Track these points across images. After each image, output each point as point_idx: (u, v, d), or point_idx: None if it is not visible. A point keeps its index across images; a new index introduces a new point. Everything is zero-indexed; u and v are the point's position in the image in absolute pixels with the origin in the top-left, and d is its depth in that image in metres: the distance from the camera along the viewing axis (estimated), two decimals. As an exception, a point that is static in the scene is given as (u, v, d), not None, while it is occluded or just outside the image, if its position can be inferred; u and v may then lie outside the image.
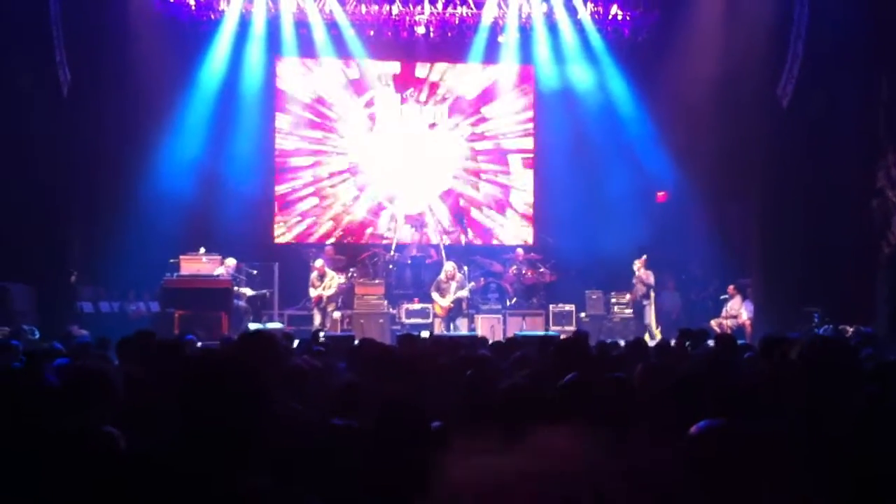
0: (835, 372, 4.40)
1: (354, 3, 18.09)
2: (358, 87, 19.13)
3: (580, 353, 5.40)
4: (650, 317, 16.80)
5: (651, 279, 16.79)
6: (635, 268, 16.87)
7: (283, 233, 18.92)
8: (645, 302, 16.85)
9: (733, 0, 16.69)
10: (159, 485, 2.19)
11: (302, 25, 18.35)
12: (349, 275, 16.89)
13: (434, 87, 19.32)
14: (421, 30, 18.48)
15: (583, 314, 17.11)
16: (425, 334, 13.23)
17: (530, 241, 19.03)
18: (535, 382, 4.35)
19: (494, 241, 19.20)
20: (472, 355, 6.21)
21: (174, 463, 2.22)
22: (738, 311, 16.18)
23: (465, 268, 17.05)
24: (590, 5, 18.36)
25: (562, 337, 10.82)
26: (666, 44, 17.98)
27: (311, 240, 18.68)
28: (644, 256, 16.87)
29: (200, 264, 15.34)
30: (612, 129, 18.42)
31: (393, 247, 17.79)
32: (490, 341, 10.62)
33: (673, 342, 9.66)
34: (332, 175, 19.06)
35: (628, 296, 17.15)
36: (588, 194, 18.20)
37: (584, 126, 18.61)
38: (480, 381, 4.59)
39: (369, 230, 18.98)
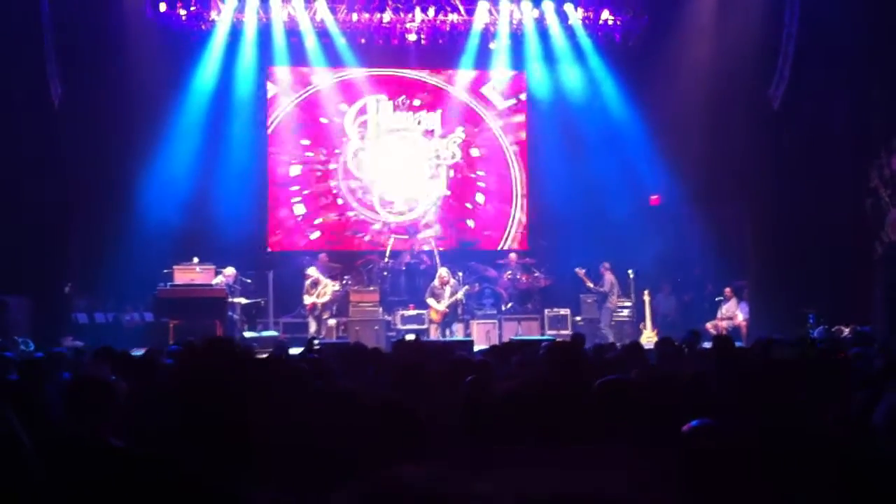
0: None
1: (345, 11, 18.09)
2: (350, 94, 19.12)
3: (575, 355, 5.39)
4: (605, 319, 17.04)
5: (605, 285, 16.93)
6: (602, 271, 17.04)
7: (277, 241, 18.86)
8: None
9: (724, 2, 16.73)
10: (159, 490, 2.17)
11: (293, 34, 18.33)
12: (343, 282, 16.87)
13: (426, 94, 19.32)
14: (412, 37, 18.48)
15: (578, 318, 17.11)
16: (410, 337, 13.19)
17: (524, 245, 19.00)
18: (533, 387, 4.33)
19: (488, 246, 19.15)
20: (471, 360, 6.20)
21: (176, 468, 2.21)
22: (733, 312, 16.22)
23: (460, 273, 17.05)
24: (580, 10, 18.38)
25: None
26: (657, 48, 18.02)
27: (305, 248, 18.63)
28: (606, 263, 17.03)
29: (194, 274, 15.32)
30: (605, 132, 18.43)
31: (387, 253, 17.75)
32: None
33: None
34: (324, 182, 19.03)
35: (625, 300, 17.23)
36: (581, 198, 18.19)
37: (576, 130, 18.61)
38: (480, 387, 4.58)
39: (363, 237, 18.93)
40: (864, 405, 4.09)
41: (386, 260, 17.55)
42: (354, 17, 18.14)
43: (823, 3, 14.44)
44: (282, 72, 18.94)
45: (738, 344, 10.10)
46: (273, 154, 18.94)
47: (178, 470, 2.27)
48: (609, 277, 16.97)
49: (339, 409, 4.36)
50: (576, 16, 18.37)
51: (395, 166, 19.08)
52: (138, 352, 8.93)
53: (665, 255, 17.64)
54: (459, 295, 16.32)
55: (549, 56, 18.90)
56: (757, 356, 6.29)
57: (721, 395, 4.36)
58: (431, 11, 18.14)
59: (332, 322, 16.30)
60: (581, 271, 16.98)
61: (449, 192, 19.25)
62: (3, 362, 7.14)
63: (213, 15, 17.81)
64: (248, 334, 14.97)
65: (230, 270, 15.68)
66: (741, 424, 3.42)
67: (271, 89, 18.90)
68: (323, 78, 19.00)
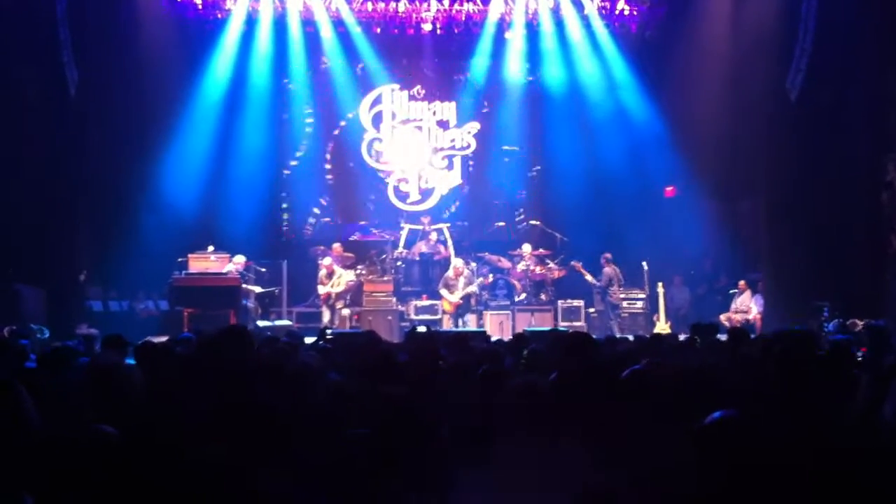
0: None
1: (361, 0, 18.07)
2: (365, 84, 19.11)
3: (588, 348, 5.35)
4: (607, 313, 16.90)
5: (603, 279, 16.83)
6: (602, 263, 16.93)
7: (291, 230, 18.89)
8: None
9: (741, -7, 16.64)
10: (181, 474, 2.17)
11: (309, 24, 18.35)
12: (357, 272, 16.86)
13: (441, 83, 19.29)
14: (427, 27, 18.44)
15: (591, 309, 17.07)
16: (422, 329, 13.16)
17: (538, 236, 18.93)
18: (546, 380, 4.32)
19: (502, 237, 19.11)
20: (484, 350, 6.19)
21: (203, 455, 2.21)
22: (748, 305, 16.15)
23: (473, 264, 17.05)
24: (597, 0, 18.31)
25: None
26: (673, 38, 17.93)
27: (319, 237, 18.61)
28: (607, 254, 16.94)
29: (209, 262, 15.35)
30: (620, 124, 18.37)
31: (401, 244, 17.76)
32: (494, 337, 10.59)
33: (682, 337, 9.64)
34: (339, 172, 19.05)
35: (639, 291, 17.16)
36: (596, 189, 18.16)
37: (591, 121, 18.57)
38: (494, 378, 4.57)
39: (378, 227, 18.90)
40: (872, 400, 4.07)
41: (400, 250, 17.55)
42: (370, 6, 18.13)
43: (841, -5, 14.35)
44: (297, 61, 18.90)
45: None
46: (287, 143, 18.93)
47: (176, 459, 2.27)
48: (608, 270, 16.79)
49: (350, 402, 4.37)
50: (592, 6, 18.30)
51: (410, 156, 19.07)
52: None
53: (679, 247, 17.58)
54: (473, 287, 16.32)
55: (564, 46, 18.81)
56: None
57: (736, 388, 4.35)
58: (447, 1, 18.13)
59: (345, 312, 16.30)
60: (577, 264, 16.88)
61: (464, 182, 19.25)
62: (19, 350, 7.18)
63: (229, 4, 17.84)
64: (261, 323, 14.98)
65: (240, 258, 15.67)
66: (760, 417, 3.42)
67: (286, 78, 18.87)
68: (338, 68, 18.97)
